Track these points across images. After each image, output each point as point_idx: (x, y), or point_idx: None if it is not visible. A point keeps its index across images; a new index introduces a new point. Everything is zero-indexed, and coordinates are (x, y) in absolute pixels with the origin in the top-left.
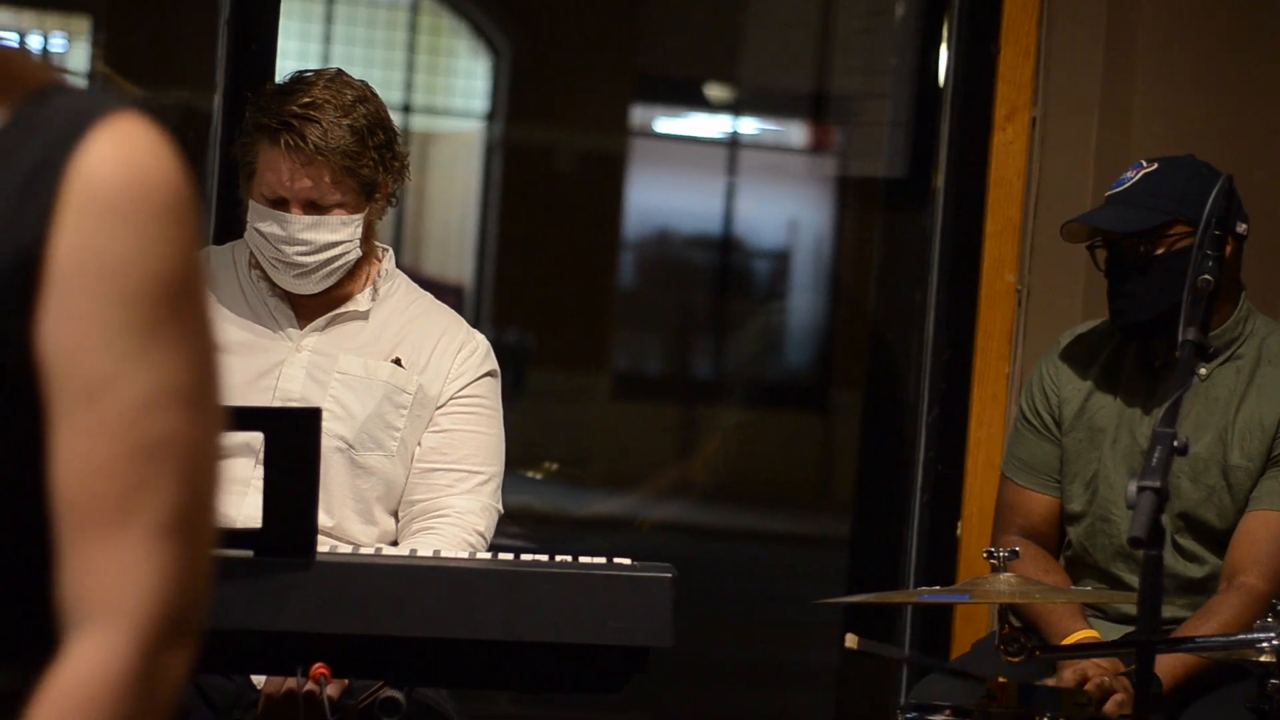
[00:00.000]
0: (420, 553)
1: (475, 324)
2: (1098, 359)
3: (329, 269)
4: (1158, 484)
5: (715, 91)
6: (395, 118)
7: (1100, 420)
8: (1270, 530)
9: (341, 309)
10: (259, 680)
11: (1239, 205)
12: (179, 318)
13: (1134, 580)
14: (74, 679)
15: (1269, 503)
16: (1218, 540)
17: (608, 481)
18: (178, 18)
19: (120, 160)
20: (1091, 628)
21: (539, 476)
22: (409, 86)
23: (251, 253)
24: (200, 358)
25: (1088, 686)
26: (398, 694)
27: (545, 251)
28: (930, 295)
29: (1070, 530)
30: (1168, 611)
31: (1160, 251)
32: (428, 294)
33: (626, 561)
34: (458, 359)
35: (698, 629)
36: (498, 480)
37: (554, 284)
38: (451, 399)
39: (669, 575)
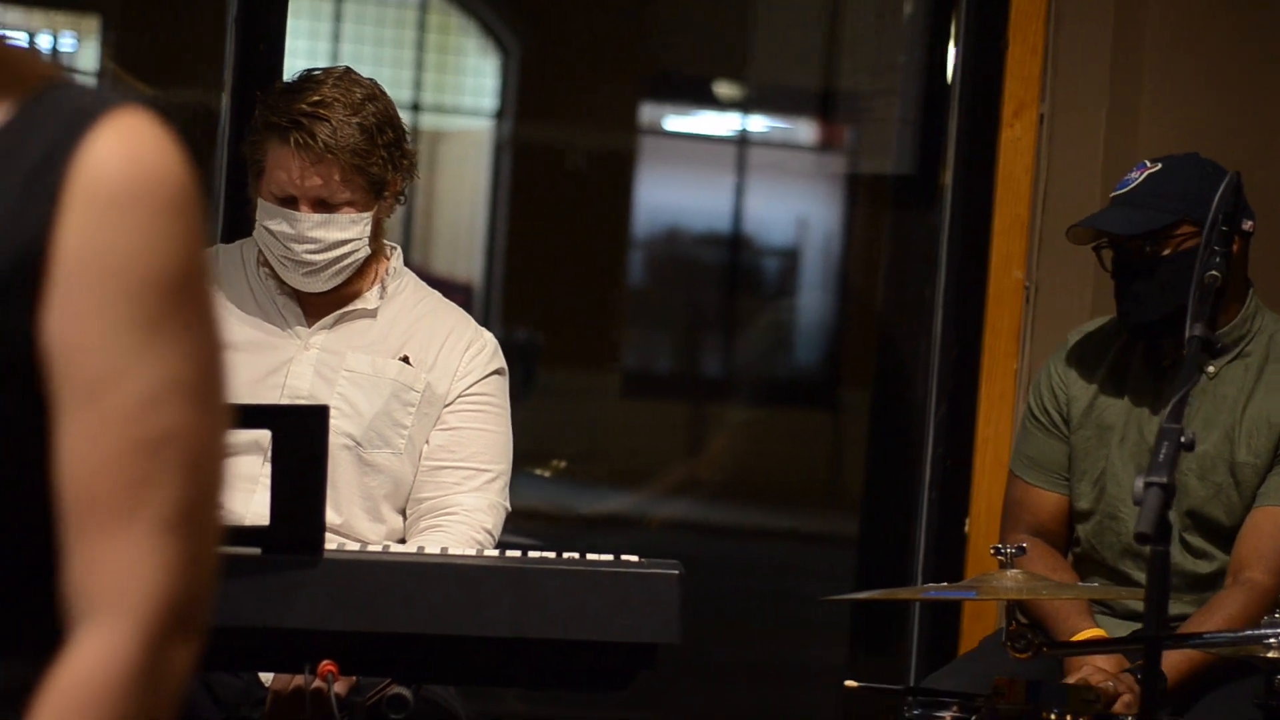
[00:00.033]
0: (428, 550)
1: (485, 322)
2: (1106, 357)
3: (338, 267)
4: (1164, 480)
5: (724, 89)
6: (404, 116)
7: (1108, 418)
8: (1277, 526)
9: (350, 307)
10: (267, 678)
11: (1245, 202)
12: (183, 313)
13: (1142, 578)
14: (79, 673)
15: (1276, 499)
16: (1225, 537)
17: (616, 479)
18: (187, 17)
19: (124, 156)
20: (1099, 626)
21: (547, 474)
22: (418, 85)
23: (260, 250)
24: (204, 352)
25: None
26: (405, 691)
27: (554, 249)
28: (938, 293)
29: (1079, 528)
30: (1175, 608)
31: (1167, 252)
32: (435, 292)
33: (634, 558)
34: (465, 357)
35: (706, 627)
36: (505, 478)
37: (563, 282)
38: (459, 397)
39: (676, 572)
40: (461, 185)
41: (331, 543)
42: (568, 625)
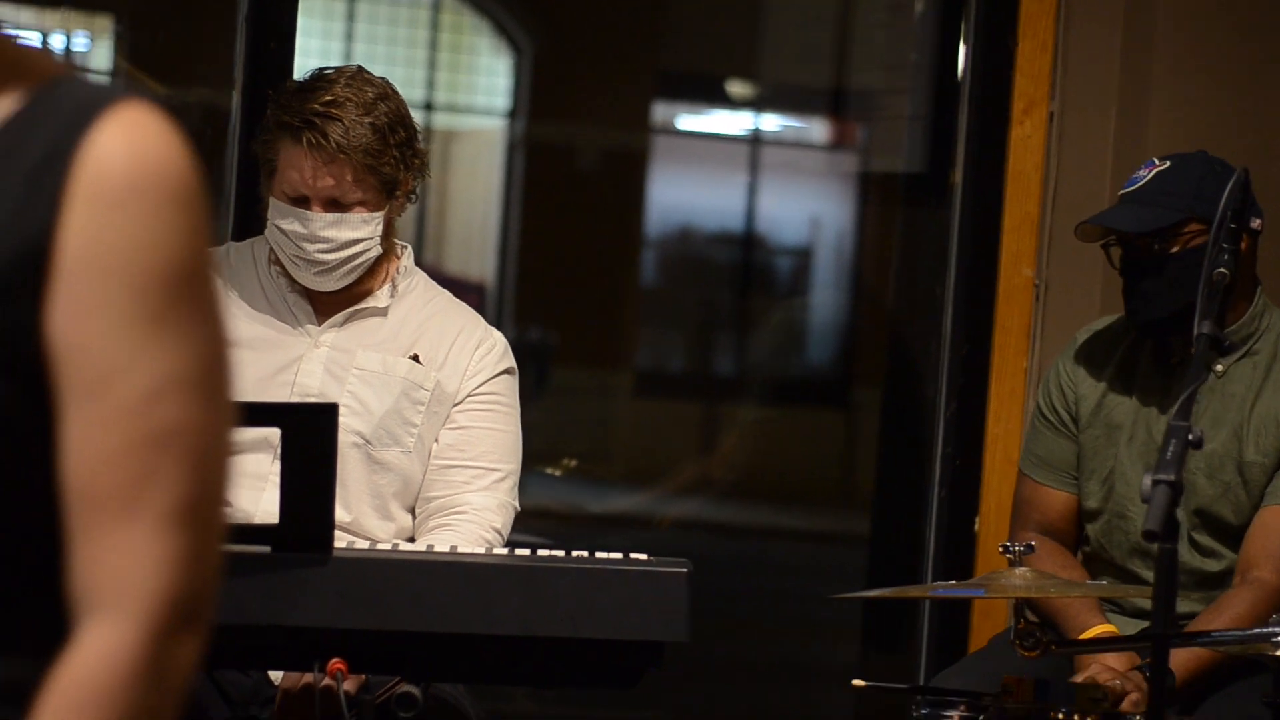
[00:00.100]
0: (437, 548)
1: (497, 322)
2: (1114, 356)
3: (350, 266)
4: (1172, 477)
5: (736, 88)
6: (417, 116)
7: (1117, 417)
8: None
9: (360, 305)
10: (276, 676)
11: (1254, 200)
12: (188, 307)
13: (1150, 576)
14: (83, 668)
15: None
16: (1234, 535)
17: (628, 478)
18: (199, 16)
19: (127, 150)
20: (1109, 623)
21: (559, 473)
22: (430, 84)
23: (271, 249)
24: (209, 347)
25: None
26: (414, 689)
27: (567, 249)
28: (948, 290)
29: (1088, 527)
30: (1184, 606)
31: (1175, 250)
32: (446, 291)
33: (643, 556)
34: (475, 356)
35: (717, 625)
36: (515, 477)
37: (576, 281)
38: (469, 396)
39: (685, 570)
40: (474, 185)
41: (341, 541)
42: (576, 623)
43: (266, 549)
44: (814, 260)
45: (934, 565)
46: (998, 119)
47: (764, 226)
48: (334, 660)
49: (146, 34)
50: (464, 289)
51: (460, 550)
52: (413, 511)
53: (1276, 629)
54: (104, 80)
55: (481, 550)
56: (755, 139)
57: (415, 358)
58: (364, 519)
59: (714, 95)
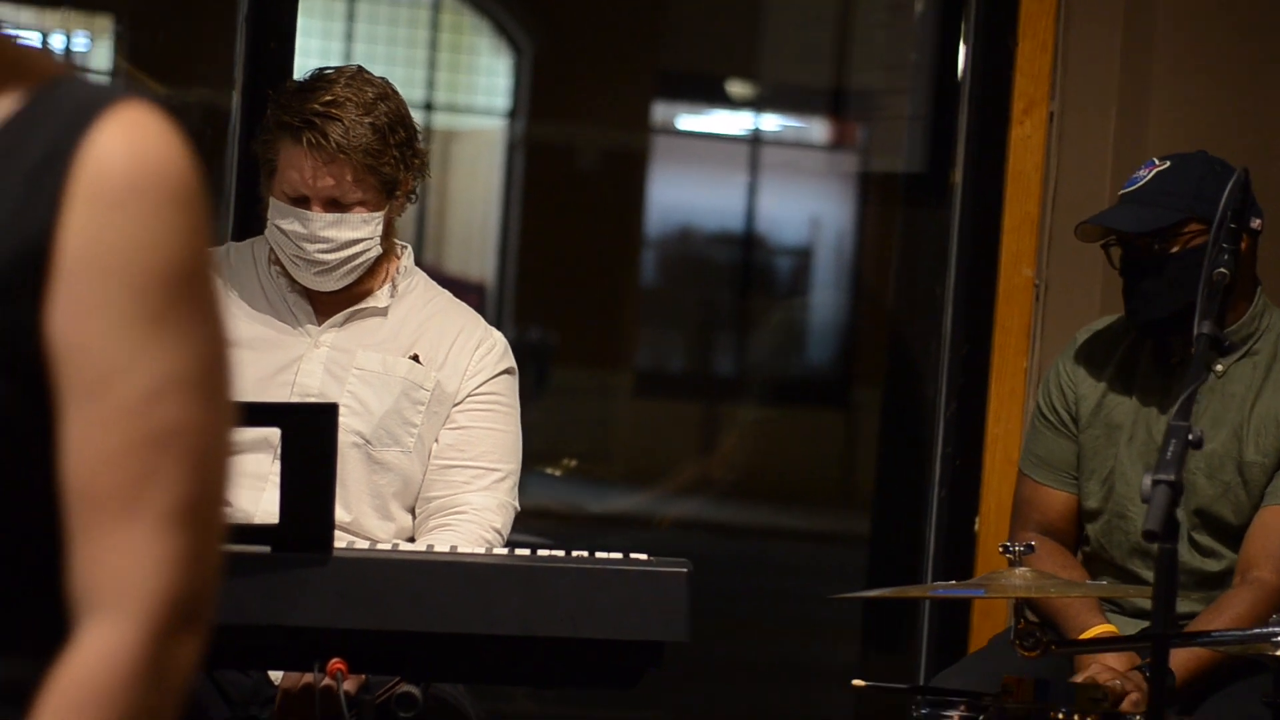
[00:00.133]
0: (437, 548)
1: (497, 322)
2: (1114, 356)
3: (350, 266)
4: (1172, 477)
5: (736, 88)
6: (417, 116)
7: (1117, 417)
8: None
9: (360, 305)
10: (276, 676)
11: (1254, 200)
12: (188, 306)
13: (1150, 576)
14: (83, 668)
15: None
16: (1234, 535)
17: (628, 478)
18: (199, 16)
19: (127, 149)
20: (1109, 623)
21: (559, 473)
22: (430, 84)
23: (271, 249)
24: (209, 346)
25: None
26: (414, 689)
27: (567, 249)
28: (948, 290)
29: (1088, 527)
30: (1184, 606)
31: (1175, 250)
32: (446, 291)
33: (643, 556)
34: (475, 356)
35: (717, 625)
36: (515, 477)
37: (576, 281)
38: (469, 396)
39: (684, 570)
40: (474, 185)
41: (341, 541)
42: (576, 623)
43: (266, 549)
44: (814, 260)
45: (934, 565)
46: (998, 119)
47: (764, 226)
48: (334, 660)
49: (146, 34)
50: (464, 289)
51: (460, 550)
52: (413, 511)
53: (1276, 629)
54: (104, 80)
55: (481, 550)
56: (755, 139)
57: (415, 358)
58: (364, 519)
59: (714, 95)
